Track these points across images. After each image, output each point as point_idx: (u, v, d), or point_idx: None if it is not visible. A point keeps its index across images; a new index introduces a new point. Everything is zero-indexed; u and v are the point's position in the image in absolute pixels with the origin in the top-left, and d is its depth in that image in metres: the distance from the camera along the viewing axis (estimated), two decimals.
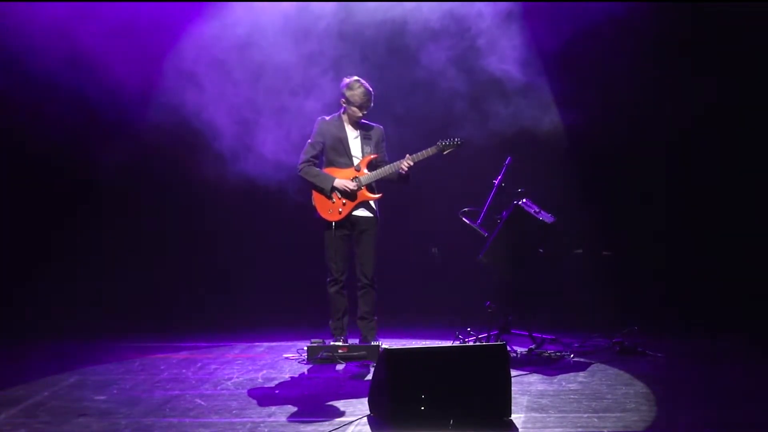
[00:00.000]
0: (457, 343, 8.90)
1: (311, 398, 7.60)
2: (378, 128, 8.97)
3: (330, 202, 8.81)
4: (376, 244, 8.90)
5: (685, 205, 10.66)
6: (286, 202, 10.38)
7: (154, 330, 10.48)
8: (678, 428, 6.74)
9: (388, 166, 8.83)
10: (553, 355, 8.92)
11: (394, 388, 6.69)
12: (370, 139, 8.89)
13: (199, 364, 8.84)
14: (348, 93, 8.76)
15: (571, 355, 8.90)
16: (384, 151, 8.96)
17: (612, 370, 8.39)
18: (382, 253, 9.01)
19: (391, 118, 9.07)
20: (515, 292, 9.32)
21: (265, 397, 7.67)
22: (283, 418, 7.02)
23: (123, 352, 9.45)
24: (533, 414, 7.04)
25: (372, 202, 8.87)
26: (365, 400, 7.11)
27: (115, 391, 7.88)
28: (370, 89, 8.77)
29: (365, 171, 8.84)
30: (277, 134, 10.06)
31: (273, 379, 8.28)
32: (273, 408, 7.32)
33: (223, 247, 11.33)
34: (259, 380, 8.23)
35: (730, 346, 9.30)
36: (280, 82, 10.22)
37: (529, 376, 8.20)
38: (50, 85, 10.47)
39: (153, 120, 10.72)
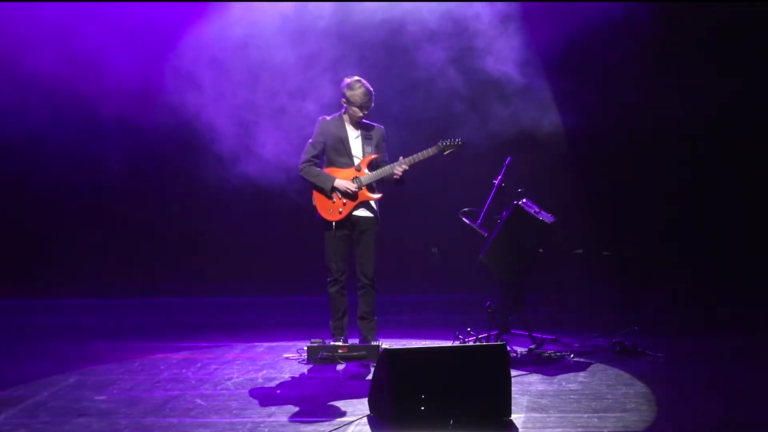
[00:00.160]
0: (457, 343, 8.90)
1: (311, 398, 7.60)
2: (379, 128, 8.97)
3: (330, 202, 8.81)
4: (376, 245, 8.90)
5: (686, 205, 10.66)
6: (287, 203, 10.39)
7: (154, 330, 10.47)
8: (678, 428, 6.73)
9: (387, 167, 8.83)
10: (553, 355, 8.91)
11: (394, 388, 6.69)
12: (370, 139, 8.89)
13: (199, 364, 8.84)
14: (349, 93, 8.76)
15: (571, 355, 8.89)
16: (384, 152, 8.95)
17: (612, 370, 8.38)
18: (382, 253, 9.00)
19: (389, 119, 9.07)
20: (515, 292, 9.32)
21: (265, 397, 7.67)
22: (283, 418, 7.02)
23: (123, 352, 9.44)
24: (533, 414, 7.03)
25: (372, 202, 8.86)
26: (365, 400, 7.10)
27: (115, 391, 7.87)
28: (371, 89, 8.77)
29: (366, 171, 8.83)
30: (277, 135, 10.06)
31: (273, 379, 8.28)
32: (273, 408, 7.31)
33: (223, 247, 11.33)
34: (259, 380, 8.22)
35: (730, 346, 9.30)
36: (278, 83, 10.22)
37: (529, 376, 8.20)
38: (50, 85, 10.47)
39: (153, 120, 10.73)
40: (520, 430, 6.69)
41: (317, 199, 8.86)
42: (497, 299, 9.15)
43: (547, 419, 6.91)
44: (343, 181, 8.78)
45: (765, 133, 10.48)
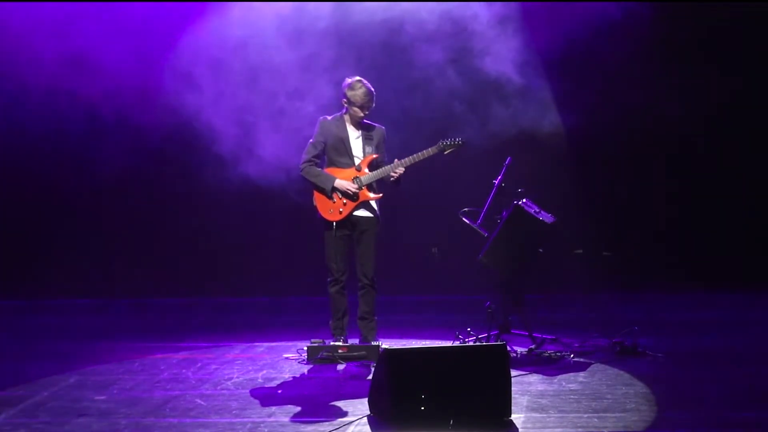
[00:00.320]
0: (457, 343, 8.90)
1: (311, 398, 7.59)
2: (380, 128, 8.97)
3: (331, 202, 8.81)
4: (376, 245, 8.90)
5: (685, 205, 10.66)
6: (286, 203, 10.40)
7: (154, 330, 10.47)
8: (678, 428, 6.73)
9: (388, 167, 8.83)
10: (553, 355, 8.91)
11: (394, 388, 6.69)
12: (371, 139, 8.89)
13: (199, 364, 8.84)
14: (349, 93, 8.76)
15: (571, 355, 8.89)
16: (384, 152, 8.96)
17: (612, 370, 8.38)
18: (382, 253, 9.00)
19: (388, 120, 9.07)
20: (515, 292, 9.32)
21: (265, 397, 7.67)
22: (283, 418, 7.02)
23: (123, 352, 9.44)
24: (533, 414, 7.03)
25: (372, 203, 8.86)
26: (365, 400, 7.10)
27: (115, 391, 7.87)
28: (372, 89, 8.77)
29: (366, 171, 8.83)
30: (276, 135, 10.07)
31: (273, 379, 8.28)
32: (273, 408, 7.31)
33: (223, 247, 11.33)
34: (259, 380, 8.22)
35: (730, 346, 9.30)
36: (278, 84, 10.22)
37: (529, 376, 8.20)
38: (49, 86, 10.47)
39: (152, 121, 10.73)
40: (520, 430, 6.69)
41: (318, 199, 8.86)
42: (497, 299, 9.15)
43: (547, 419, 6.91)
44: (343, 181, 8.78)
45: (765, 133, 10.48)
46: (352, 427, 6.82)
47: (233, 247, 11.32)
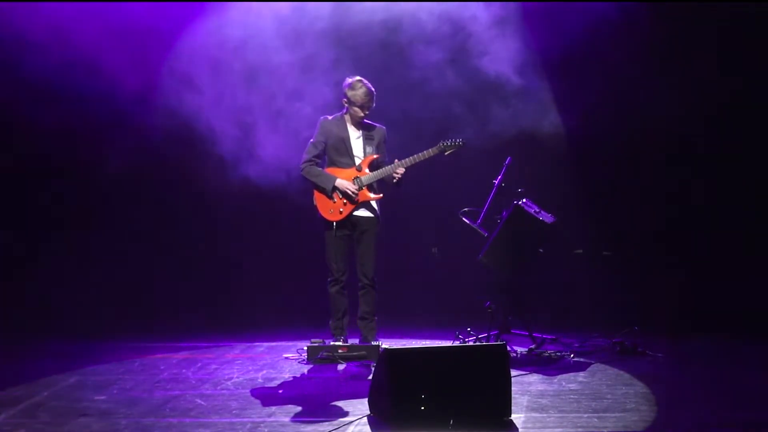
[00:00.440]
0: (457, 343, 8.90)
1: (311, 398, 7.60)
2: (380, 128, 8.97)
3: (331, 202, 8.81)
4: (376, 245, 8.90)
5: (685, 204, 10.66)
6: (286, 203, 10.40)
7: (154, 330, 10.48)
8: (678, 428, 6.74)
9: (388, 167, 8.83)
10: (553, 355, 8.92)
11: (394, 388, 6.69)
12: (372, 139, 8.89)
13: (199, 364, 8.84)
14: (350, 93, 8.76)
15: (571, 355, 8.90)
16: (385, 152, 8.96)
17: (612, 370, 8.39)
18: (382, 253, 9.01)
19: (388, 121, 9.07)
20: (515, 292, 9.32)
21: (265, 397, 7.67)
22: (283, 418, 7.02)
23: (123, 352, 9.45)
24: (533, 414, 7.04)
25: (373, 203, 8.86)
26: (365, 400, 7.10)
27: (115, 391, 7.88)
28: (373, 89, 8.77)
29: (367, 171, 8.84)
30: (276, 135, 10.07)
31: (273, 379, 8.28)
32: (273, 408, 7.32)
33: (222, 248, 11.33)
34: (259, 380, 8.23)
35: (730, 346, 9.31)
36: (276, 85, 10.22)
37: (529, 376, 8.20)
38: (49, 86, 10.46)
39: (152, 122, 10.73)
40: (520, 430, 6.69)
41: (318, 199, 8.86)
42: (497, 299, 9.15)
43: (547, 419, 6.92)
44: (344, 181, 8.78)
45: (766, 133, 10.48)
46: (352, 427, 6.82)
47: (233, 246, 11.31)
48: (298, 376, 8.43)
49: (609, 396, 7.49)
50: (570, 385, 7.87)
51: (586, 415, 6.99)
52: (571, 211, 10.09)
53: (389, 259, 9.60)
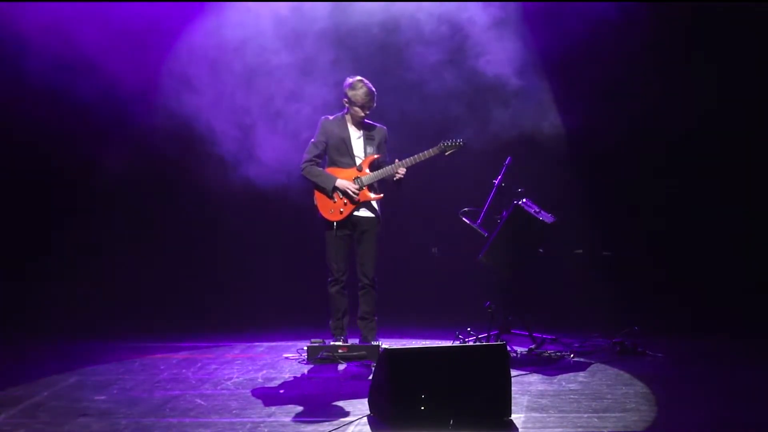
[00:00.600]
0: (457, 343, 8.90)
1: (311, 398, 7.60)
2: (381, 129, 8.97)
3: (331, 202, 8.81)
4: (377, 245, 8.90)
5: (685, 204, 10.66)
6: (286, 203, 10.40)
7: (154, 331, 10.47)
8: (678, 428, 6.74)
9: (389, 167, 8.83)
10: (553, 355, 8.92)
11: (394, 388, 6.69)
12: (372, 139, 8.89)
13: (199, 364, 8.84)
14: (351, 93, 8.76)
15: (571, 355, 8.90)
16: (386, 152, 8.96)
17: (612, 370, 8.39)
18: (382, 253, 9.00)
19: (387, 123, 9.07)
20: (515, 292, 9.32)
21: (265, 397, 7.67)
22: (283, 418, 7.02)
23: (123, 352, 9.45)
24: (533, 414, 7.04)
25: (374, 203, 8.86)
26: (365, 400, 7.10)
27: (115, 391, 7.88)
28: (373, 89, 8.77)
29: (367, 171, 8.84)
30: (276, 136, 10.07)
31: (273, 379, 8.28)
32: (273, 408, 7.32)
33: (222, 248, 11.33)
34: (259, 380, 8.23)
35: (730, 346, 9.31)
36: (276, 85, 10.23)
37: (529, 376, 8.20)
38: (49, 86, 10.46)
39: (151, 122, 10.73)
40: (520, 430, 6.69)
41: (318, 199, 8.86)
42: (497, 299, 9.15)
43: (547, 419, 6.92)
44: (344, 181, 8.78)
45: (766, 133, 10.48)
46: (352, 427, 6.82)
47: (233, 246, 11.31)
48: (298, 376, 8.43)
49: (609, 396, 7.49)
50: (570, 385, 7.87)
51: (586, 415, 6.99)
52: (571, 211, 10.09)
53: (389, 259, 9.60)
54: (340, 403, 7.38)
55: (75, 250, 11.10)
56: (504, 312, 9.22)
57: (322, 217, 8.86)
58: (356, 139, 8.88)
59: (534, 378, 8.13)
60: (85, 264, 11.07)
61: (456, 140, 8.87)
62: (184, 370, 8.60)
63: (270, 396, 7.71)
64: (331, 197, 8.80)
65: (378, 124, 8.97)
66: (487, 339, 8.96)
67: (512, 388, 6.85)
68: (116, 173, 11.03)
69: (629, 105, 10.57)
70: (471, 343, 8.82)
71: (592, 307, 10.27)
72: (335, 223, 8.80)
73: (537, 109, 10.34)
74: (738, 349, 9.22)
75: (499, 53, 10.05)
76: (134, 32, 10.49)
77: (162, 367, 8.74)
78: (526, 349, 9.06)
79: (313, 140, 8.90)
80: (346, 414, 7.11)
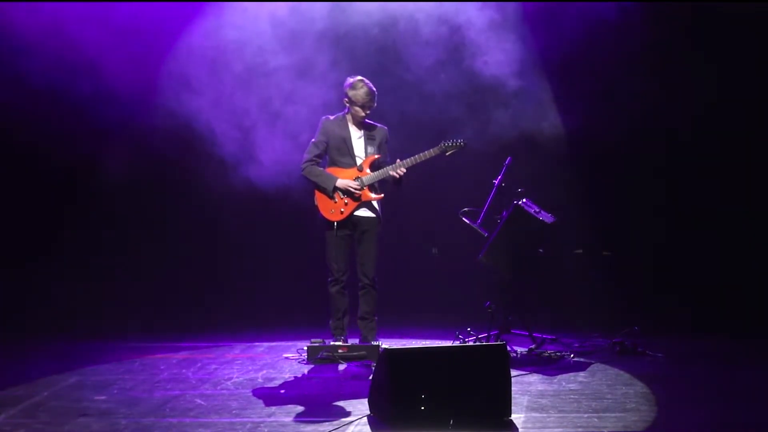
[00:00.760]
0: (457, 343, 8.90)
1: (311, 398, 7.60)
2: (382, 129, 8.97)
3: (332, 202, 8.81)
4: (377, 245, 8.90)
5: (685, 204, 10.66)
6: (286, 204, 10.41)
7: (154, 331, 10.48)
8: (678, 428, 6.74)
9: (389, 167, 8.83)
10: (553, 355, 8.92)
11: (394, 388, 6.69)
12: (373, 139, 8.89)
13: (199, 364, 8.84)
14: (351, 93, 8.76)
15: (571, 355, 8.90)
16: (386, 152, 8.96)
17: (612, 370, 8.39)
18: (382, 253, 9.01)
19: (385, 124, 9.08)
20: (515, 292, 9.32)
21: (265, 397, 7.67)
22: (283, 418, 7.02)
23: (123, 352, 9.45)
24: (533, 414, 7.04)
25: (374, 203, 8.86)
26: (365, 400, 7.10)
27: (115, 391, 7.88)
28: (374, 89, 8.77)
29: (368, 171, 8.84)
30: (276, 137, 10.07)
31: (273, 379, 8.28)
32: (273, 408, 7.32)
33: (222, 248, 11.34)
34: (259, 380, 8.23)
35: (730, 346, 9.31)
36: (275, 86, 10.23)
37: (529, 376, 8.20)
38: (50, 87, 10.47)
39: (151, 123, 10.73)
40: (520, 430, 6.70)
41: (319, 198, 8.86)
42: (497, 299, 9.15)
43: (547, 419, 6.92)
44: (345, 180, 8.78)
45: (766, 133, 10.48)
46: (352, 427, 6.82)
47: (233, 246, 11.32)
48: (298, 376, 8.43)
49: (609, 396, 7.49)
50: (570, 385, 7.87)
51: (586, 415, 6.99)
52: (571, 211, 10.09)
53: (389, 259, 9.60)
54: (340, 403, 7.38)
55: (75, 250, 11.10)
56: (504, 312, 9.22)
57: (323, 217, 8.86)
58: (357, 139, 8.88)
59: (534, 378, 8.13)
60: (85, 264, 11.07)
61: (457, 140, 8.88)
62: (184, 370, 8.60)
63: (270, 396, 7.71)
64: (331, 197, 8.80)
65: (379, 124, 8.97)
66: (487, 339, 8.96)
67: (512, 388, 6.85)
68: (116, 173, 11.03)
69: (629, 105, 10.57)
70: (471, 343, 8.82)
71: (592, 307, 10.27)
72: (336, 223, 8.80)
73: (537, 109, 10.34)
74: (738, 349, 9.22)
75: (499, 54, 10.05)
76: (134, 33, 10.50)
77: (162, 367, 8.74)
78: (526, 349, 9.06)
79: (313, 140, 8.90)
80: (346, 414, 7.11)
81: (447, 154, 8.90)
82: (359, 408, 7.18)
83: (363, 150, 8.86)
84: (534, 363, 8.68)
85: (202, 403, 7.46)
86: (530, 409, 7.16)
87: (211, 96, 10.39)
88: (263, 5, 10.18)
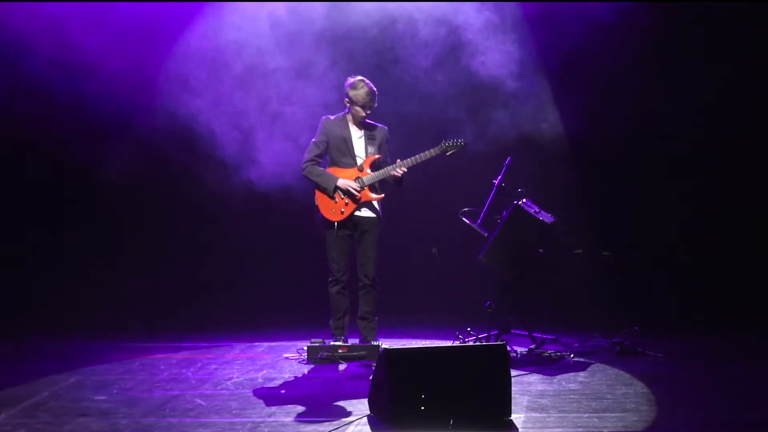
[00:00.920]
0: (457, 343, 8.90)
1: (311, 398, 7.60)
2: (382, 129, 8.97)
3: (332, 202, 8.81)
4: (378, 245, 8.90)
5: (685, 204, 10.66)
6: (285, 204, 10.41)
7: (155, 331, 10.48)
8: (678, 428, 6.74)
9: (390, 167, 8.83)
10: (553, 355, 8.92)
11: (394, 388, 6.69)
12: (374, 139, 8.89)
13: (199, 364, 8.84)
14: (352, 93, 8.76)
15: (571, 355, 8.90)
16: (387, 152, 8.96)
17: (612, 370, 8.39)
18: (383, 253, 9.01)
19: (387, 124, 9.09)
20: (515, 292, 9.32)
21: (265, 397, 7.67)
22: (283, 418, 7.02)
23: (123, 352, 9.45)
24: (533, 414, 7.04)
25: (375, 203, 8.86)
26: (365, 400, 7.10)
27: (115, 391, 7.88)
28: (374, 89, 8.78)
29: (368, 171, 8.84)
30: (275, 137, 10.07)
31: (273, 379, 8.28)
32: (273, 408, 7.32)
33: (222, 248, 11.33)
34: (259, 380, 8.23)
35: (730, 346, 9.31)
36: (274, 87, 10.23)
37: (529, 376, 8.20)
38: (51, 87, 10.47)
39: (151, 124, 10.73)
40: (520, 430, 6.70)
41: (320, 198, 8.86)
42: (497, 299, 9.15)
43: (547, 419, 6.92)
44: (346, 180, 8.78)
45: (766, 133, 10.48)
46: (352, 427, 6.82)
47: (233, 247, 11.32)
48: (299, 376, 8.43)
49: (609, 396, 7.49)
50: (570, 385, 7.87)
51: (586, 415, 6.99)
52: (571, 211, 10.09)
53: (389, 259, 9.60)
54: (340, 403, 7.38)
55: (75, 251, 11.10)
56: (504, 312, 9.22)
57: (323, 217, 8.86)
58: (357, 138, 8.88)
59: (534, 378, 8.13)
60: (85, 265, 11.07)
61: (457, 140, 8.88)
62: (184, 370, 8.60)
63: (270, 396, 7.71)
64: (332, 197, 8.80)
65: (379, 124, 8.97)
66: (487, 339, 8.96)
67: (512, 388, 6.85)
68: (116, 173, 11.03)
69: (629, 105, 10.57)
70: (471, 343, 8.82)
71: (592, 307, 10.27)
72: (336, 223, 8.80)
73: (537, 109, 10.34)
74: (738, 349, 9.22)
75: (498, 54, 10.05)
76: (134, 33, 10.50)
77: (162, 367, 8.74)
78: (526, 349, 9.06)
79: (314, 140, 8.90)
80: (346, 414, 7.11)
81: (447, 153, 8.90)
82: (359, 408, 7.18)
83: (363, 150, 8.86)
84: (534, 363, 8.68)
85: (202, 403, 7.46)
86: (530, 409, 7.16)
87: (211, 96, 10.40)
88: (262, 6, 10.18)
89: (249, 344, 9.77)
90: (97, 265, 11.10)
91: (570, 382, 7.99)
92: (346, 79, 8.87)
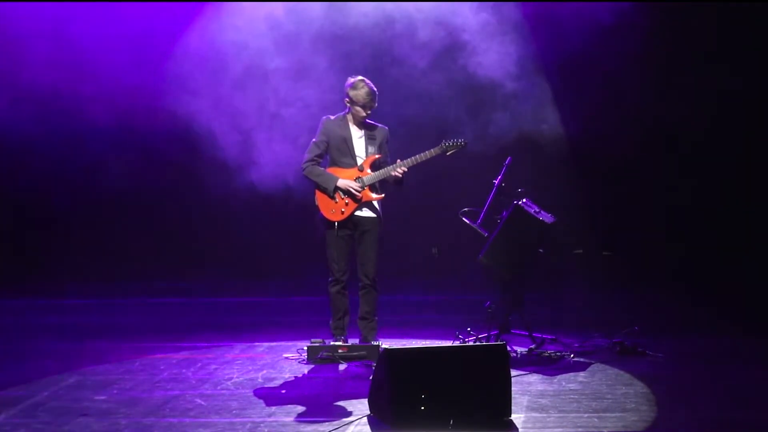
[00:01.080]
0: (457, 343, 8.89)
1: (311, 398, 7.60)
2: (383, 129, 8.96)
3: (333, 202, 8.80)
4: (378, 245, 8.90)
5: (685, 204, 10.67)
6: (286, 204, 10.41)
7: (155, 331, 10.48)
8: (678, 428, 6.74)
9: (390, 167, 8.83)
10: (553, 355, 8.91)
11: (394, 388, 6.69)
12: (374, 139, 8.89)
13: (199, 364, 8.84)
14: (352, 93, 8.75)
15: (571, 355, 8.89)
16: (387, 152, 8.96)
17: (612, 370, 8.39)
18: (383, 253, 9.00)
19: (387, 125, 9.09)
20: (515, 292, 9.32)
21: (265, 397, 7.67)
22: (283, 418, 7.02)
23: (123, 352, 9.44)
24: (533, 414, 7.03)
25: (375, 203, 8.86)
26: (365, 400, 7.10)
27: (115, 391, 7.87)
28: (375, 89, 8.77)
29: (368, 171, 8.83)
30: (275, 137, 10.08)
31: (273, 379, 8.28)
32: (273, 408, 7.32)
33: (223, 247, 11.34)
34: (259, 380, 8.22)
35: (730, 346, 9.31)
36: (274, 87, 10.24)
37: (529, 376, 8.20)
38: (52, 89, 10.47)
39: (151, 124, 10.74)
40: (520, 430, 6.69)
41: (320, 198, 8.86)
42: (497, 299, 9.15)
43: (547, 419, 6.92)
44: (346, 181, 8.78)
45: (765, 133, 10.50)
46: (352, 427, 6.82)
47: (233, 247, 11.32)
48: (298, 376, 8.43)
49: (609, 396, 7.49)
50: (570, 385, 7.86)
51: (586, 415, 6.99)
52: (571, 211, 10.10)
53: (389, 259, 9.60)
54: (340, 403, 7.37)
55: (76, 251, 11.11)
56: (504, 312, 9.22)
57: (323, 217, 8.86)
58: (357, 138, 8.88)
59: (534, 378, 8.13)
60: (86, 265, 11.07)
61: (457, 140, 8.87)
62: (184, 370, 8.60)
63: (270, 396, 7.71)
64: (332, 197, 8.79)
65: (379, 125, 8.97)
66: (487, 339, 8.96)
67: (512, 388, 6.85)
68: (116, 174, 11.04)
69: (628, 106, 10.57)
70: (471, 343, 8.82)
71: (592, 307, 10.27)
72: (336, 223, 8.80)
73: (537, 109, 10.35)
74: (738, 349, 9.22)
75: (499, 56, 10.06)
76: (133, 34, 10.51)
77: (162, 367, 8.74)
78: (526, 349, 9.05)
79: (314, 140, 8.90)
80: (346, 414, 7.11)
81: (448, 153, 8.90)
82: (359, 408, 7.18)
83: (364, 150, 8.86)
84: (534, 363, 8.67)
85: (202, 403, 7.46)
86: (530, 409, 7.16)
87: (211, 98, 10.40)
88: (260, 7, 10.18)
89: (249, 344, 9.76)
90: (96, 265, 11.10)
91: (570, 382, 7.99)
92: (345, 80, 8.86)
